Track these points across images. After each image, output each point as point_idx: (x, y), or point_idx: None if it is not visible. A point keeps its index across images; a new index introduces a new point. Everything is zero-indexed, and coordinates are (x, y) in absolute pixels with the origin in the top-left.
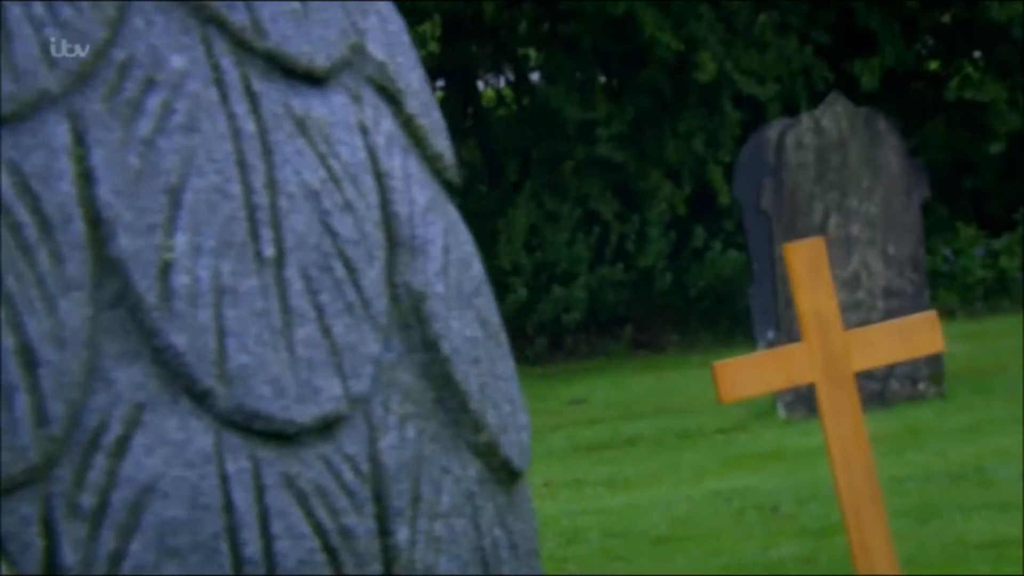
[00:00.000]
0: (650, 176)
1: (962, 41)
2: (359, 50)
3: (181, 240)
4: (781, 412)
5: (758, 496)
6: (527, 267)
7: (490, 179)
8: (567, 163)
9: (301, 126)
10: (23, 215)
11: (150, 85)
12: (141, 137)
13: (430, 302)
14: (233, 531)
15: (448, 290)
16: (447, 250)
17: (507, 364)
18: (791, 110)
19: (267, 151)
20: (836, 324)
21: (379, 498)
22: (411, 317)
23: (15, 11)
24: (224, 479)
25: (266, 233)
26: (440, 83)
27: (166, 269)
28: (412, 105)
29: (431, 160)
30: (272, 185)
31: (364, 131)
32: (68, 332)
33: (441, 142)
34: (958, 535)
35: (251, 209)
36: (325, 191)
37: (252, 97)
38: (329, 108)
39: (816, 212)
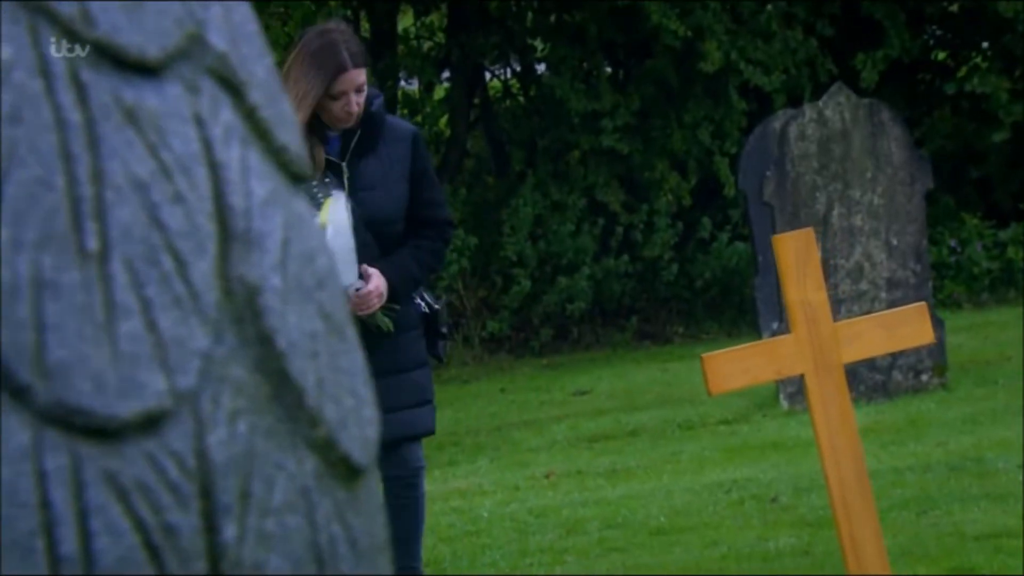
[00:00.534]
0: (656, 167)
1: (969, 32)
2: (198, 40)
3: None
4: (783, 403)
5: (758, 487)
6: (532, 258)
7: (497, 170)
8: (573, 154)
9: (131, 117)
10: None
11: None
12: None
13: (265, 296)
14: (49, 528)
15: (286, 284)
16: (287, 243)
17: (352, 358)
18: (796, 102)
19: (93, 142)
20: (825, 315)
21: (206, 494)
22: (245, 311)
23: None
24: (41, 476)
25: (90, 226)
26: (446, 74)
27: None
28: (255, 96)
29: (275, 152)
30: (98, 177)
31: (200, 122)
32: None
33: (286, 134)
34: (956, 526)
35: (75, 201)
36: (154, 183)
37: (79, 87)
38: (162, 99)
39: (819, 203)
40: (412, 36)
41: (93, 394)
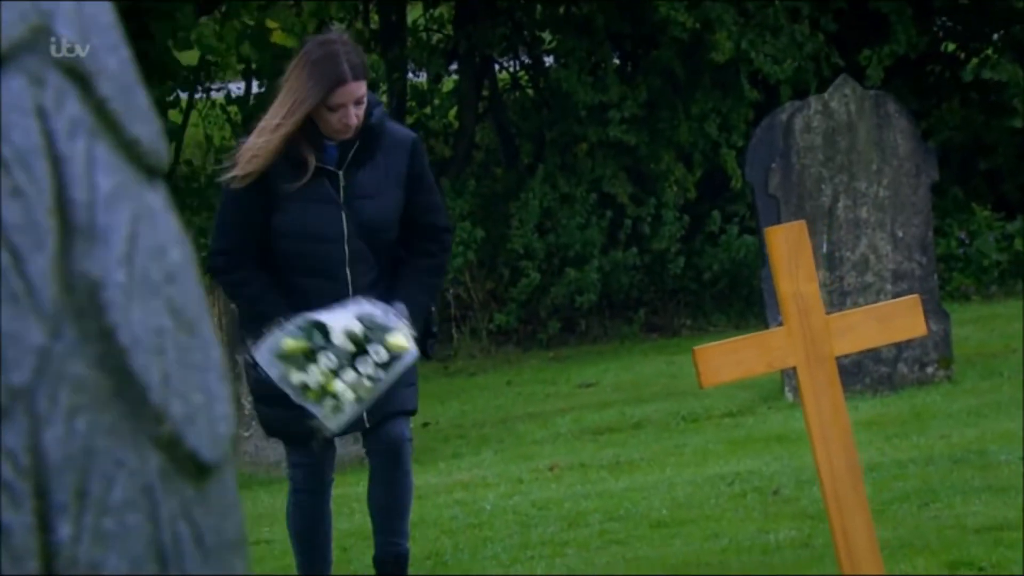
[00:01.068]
0: (663, 159)
1: (979, 22)
2: (44, 32)
3: None
4: (788, 396)
5: (760, 479)
6: (540, 250)
7: (507, 162)
8: (580, 146)
9: None
10: None
11: None
12: None
13: (107, 291)
14: None
15: (131, 279)
16: (133, 237)
17: (204, 354)
18: (803, 95)
19: None
20: (817, 307)
21: (41, 493)
22: (86, 306)
23: None
24: None
25: None
26: (454, 66)
27: None
28: (105, 88)
29: (126, 145)
30: None
31: (43, 115)
32: None
33: (139, 126)
34: (956, 519)
35: None
36: None
37: None
38: (4, 92)
39: (824, 195)
40: (421, 28)
41: None
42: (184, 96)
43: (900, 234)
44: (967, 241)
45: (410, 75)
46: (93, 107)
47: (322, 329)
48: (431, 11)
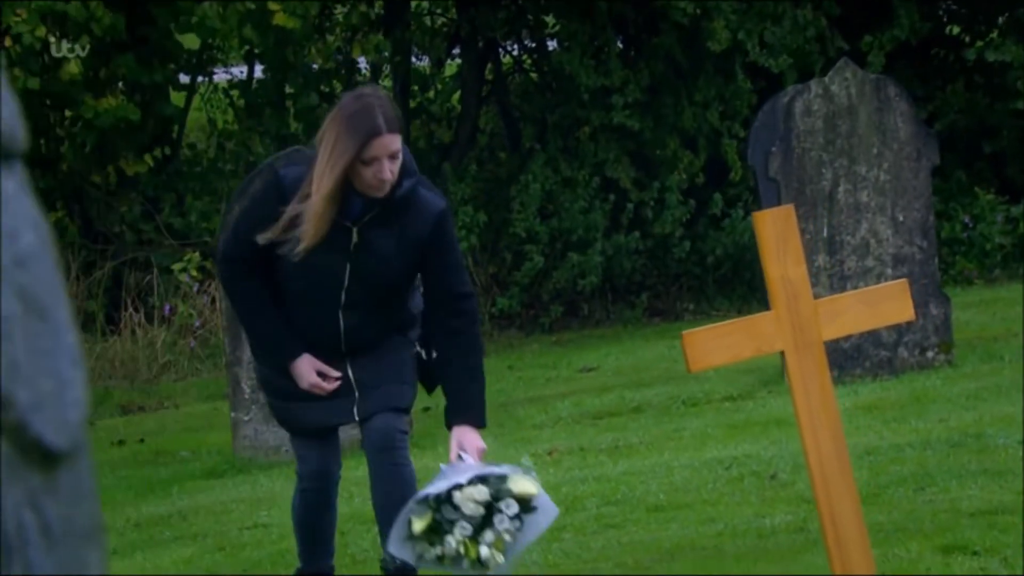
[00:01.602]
0: (667, 143)
1: (984, 5)
2: None
3: None
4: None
5: (758, 464)
6: (543, 234)
7: (511, 146)
8: (583, 130)
9: None
10: None
11: None
12: None
13: None
14: None
15: None
16: None
17: (55, 340)
18: (808, 79)
19: None
20: (805, 292)
21: None
22: None
23: None
24: None
25: None
26: (456, 50)
27: None
28: None
29: None
30: None
31: None
32: None
33: None
34: (952, 502)
35: None
36: None
37: None
38: None
39: (825, 179)
40: (424, 12)
41: None
42: (186, 80)
43: (901, 218)
44: (971, 225)
45: (413, 59)
46: None
47: (446, 500)
48: None
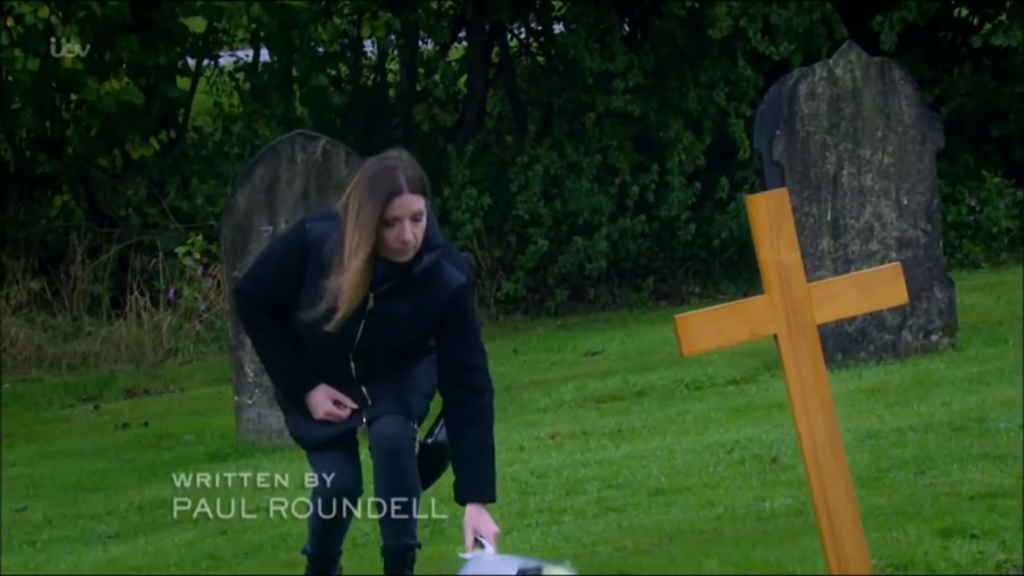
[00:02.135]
0: (672, 126)
1: None
2: None
3: None
4: None
5: (759, 447)
6: (547, 218)
7: (518, 129)
8: (588, 114)
9: None
10: None
11: None
12: None
13: None
14: None
15: None
16: None
17: None
18: (815, 62)
19: None
20: (798, 276)
21: None
22: None
23: None
24: None
25: None
26: (462, 33)
27: None
28: None
29: None
30: None
31: None
32: None
33: None
34: (952, 486)
35: None
36: None
37: None
38: None
39: (829, 162)
40: None
41: None
42: (192, 63)
43: (905, 202)
44: (977, 208)
45: (419, 43)
46: None
47: None
48: None
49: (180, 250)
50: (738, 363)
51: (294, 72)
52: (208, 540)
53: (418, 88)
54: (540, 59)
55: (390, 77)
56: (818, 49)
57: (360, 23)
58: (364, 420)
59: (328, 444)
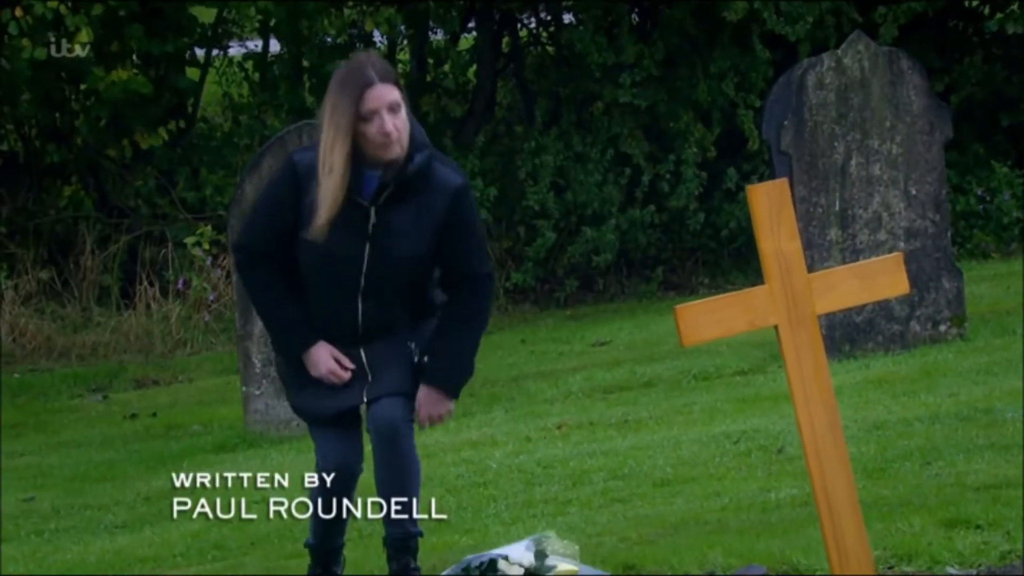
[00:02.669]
0: (681, 117)
1: None
2: None
3: None
4: None
5: (765, 438)
6: (556, 209)
7: (527, 120)
8: (596, 105)
9: None
10: None
11: None
12: None
13: None
14: None
15: None
16: None
17: None
18: (822, 52)
19: None
20: (799, 266)
21: None
22: None
23: None
24: None
25: None
26: (471, 24)
27: None
28: None
29: None
30: None
31: None
32: None
33: None
34: (958, 476)
35: None
36: None
37: None
38: None
39: (837, 152)
40: None
41: None
42: (201, 53)
43: (914, 192)
44: (987, 198)
45: (429, 33)
46: None
47: (489, 567)
48: None
49: (189, 240)
50: (746, 354)
51: (304, 62)
52: (214, 531)
53: (428, 78)
54: (549, 49)
55: (400, 68)
56: (827, 40)
57: (365, 17)
58: (364, 400)
59: (330, 421)
